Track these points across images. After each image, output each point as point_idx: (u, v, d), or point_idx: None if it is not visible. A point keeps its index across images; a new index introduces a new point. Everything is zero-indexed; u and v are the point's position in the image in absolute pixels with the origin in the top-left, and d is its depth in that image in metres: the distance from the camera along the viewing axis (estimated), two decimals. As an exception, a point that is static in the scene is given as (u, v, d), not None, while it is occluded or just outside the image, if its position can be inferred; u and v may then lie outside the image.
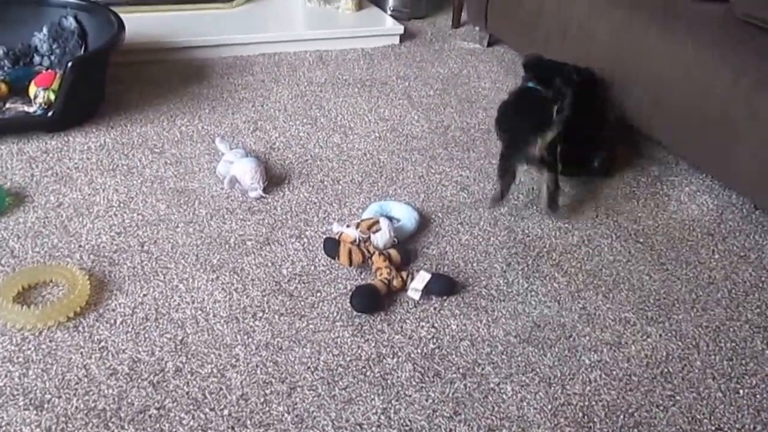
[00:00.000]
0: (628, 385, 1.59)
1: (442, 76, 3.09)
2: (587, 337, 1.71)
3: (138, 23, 2.85)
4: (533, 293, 1.84)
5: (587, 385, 1.58)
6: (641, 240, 2.07)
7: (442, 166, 2.39)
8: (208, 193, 2.15)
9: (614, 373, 1.62)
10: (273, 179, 2.22)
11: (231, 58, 3.07)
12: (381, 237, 1.88)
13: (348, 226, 1.90)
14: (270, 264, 1.88)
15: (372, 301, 1.75)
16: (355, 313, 1.73)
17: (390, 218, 1.98)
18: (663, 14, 2.38)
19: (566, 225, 2.11)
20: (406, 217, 2.04)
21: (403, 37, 3.44)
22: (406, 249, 1.93)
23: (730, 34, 2.22)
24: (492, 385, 1.57)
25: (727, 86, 2.10)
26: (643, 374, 1.62)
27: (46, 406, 1.44)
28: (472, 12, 3.43)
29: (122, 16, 2.59)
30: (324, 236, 1.95)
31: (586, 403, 1.54)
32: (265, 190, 2.13)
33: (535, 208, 2.17)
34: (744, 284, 1.92)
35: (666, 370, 1.64)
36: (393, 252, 1.87)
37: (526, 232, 2.08)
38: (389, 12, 3.66)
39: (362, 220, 1.95)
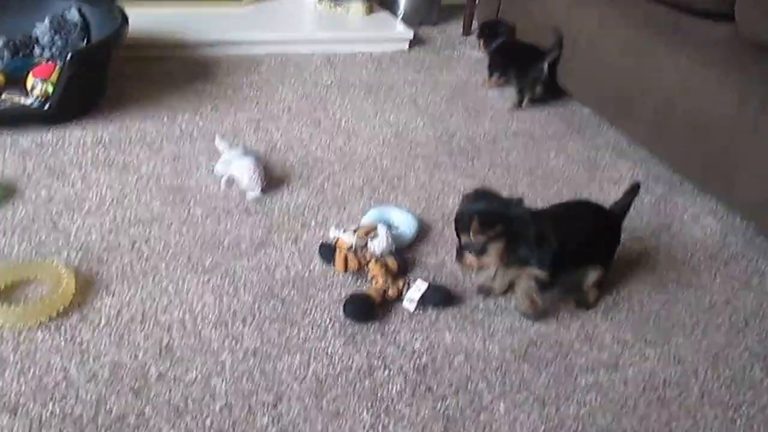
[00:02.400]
0: (624, 409, 1.54)
1: (450, 83, 3.05)
2: (584, 357, 1.66)
3: (145, 19, 2.83)
4: (531, 309, 1.80)
5: (582, 407, 1.54)
6: (643, 260, 2.02)
7: (446, 174, 2.35)
8: (205, 192, 2.11)
9: (610, 395, 1.57)
10: (272, 180, 2.18)
11: (238, 56, 3.04)
12: (378, 244, 1.84)
13: (345, 232, 1.85)
14: (264, 268, 1.84)
15: (365, 310, 1.71)
16: (348, 322, 1.69)
17: (389, 225, 1.94)
18: (671, 33, 2.35)
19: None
20: (406, 224, 2.00)
21: (413, 43, 3.42)
22: (403, 258, 1.89)
23: (737, 54, 2.18)
24: (485, 403, 1.52)
25: (733, 108, 2.07)
26: (639, 398, 1.57)
27: (20, 410, 1.39)
28: (483, 20, 3.38)
29: (130, 10, 2.57)
30: (321, 241, 1.90)
31: (580, 427, 1.49)
32: (263, 191, 2.09)
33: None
34: (745, 310, 1.87)
35: (663, 395, 1.59)
36: (390, 260, 1.83)
37: (527, 245, 2.03)
38: (400, 17, 3.63)
39: (360, 227, 1.90)
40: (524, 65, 2.87)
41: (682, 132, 2.25)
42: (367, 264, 1.81)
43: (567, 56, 2.77)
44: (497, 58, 3.03)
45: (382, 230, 1.86)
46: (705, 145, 2.17)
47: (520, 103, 2.87)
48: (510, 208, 1.61)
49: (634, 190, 1.91)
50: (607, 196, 2.30)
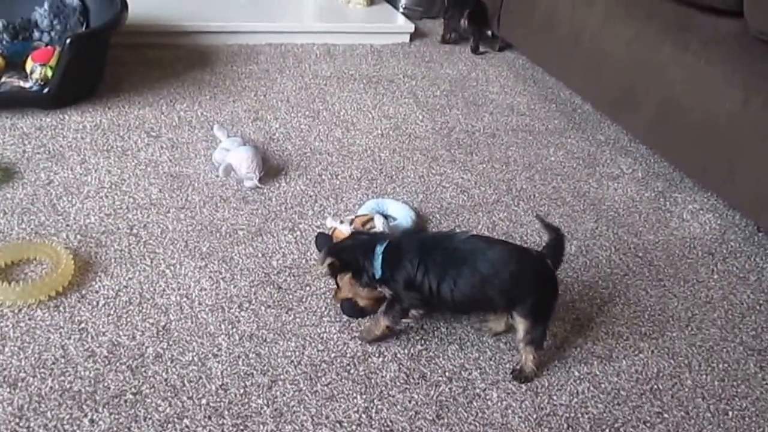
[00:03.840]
0: (616, 399, 1.55)
1: (450, 77, 3.05)
2: (578, 349, 1.67)
3: (144, 5, 2.83)
4: (526, 300, 1.80)
5: (574, 396, 1.55)
6: (640, 254, 2.03)
7: (444, 167, 2.35)
8: (203, 179, 2.11)
9: (603, 386, 1.58)
10: (270, 170, 2.18)
11: (236, 45, 3.04)
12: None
13: (342, 222, 1.86)
14: (260, 255, 1.85)
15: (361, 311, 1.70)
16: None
17: (386, 216, 1.95)
18: (677, 28, 2.35)
19: (566, 234, 2.06)
20: (403, 216, 2.00)
21: (414, 36, 3.42)
22: None
23: (744, 51, 2.18)
24: (478, 391, 1.53)
25: (736, 105, 2.07)
26: (632, 389, 1.58)
27: (20, 384, 1.41)
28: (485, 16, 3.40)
29: (130, -2, 2.56)
30: (318, 230, 1.91)
31: (572, 415, 1.50)
32: (261, 180, 2.10)
33: (534, 214, 2.13)
34: (741, 306, 1.88)
35: (656, 386, 1.60)
36: None
37: (524, 238, 2.04)
38: (401, 10, 3.64)
39: (357, 216, 1.91)
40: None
41: (684, 129, 2.25)
42: None
43: (568, 51, 2.77)
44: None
45: (378, 221, 1.87)
46: (707, 143, 2.17)
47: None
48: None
49: (557, 236, 1.62)
50: (606, 191, 2.32)
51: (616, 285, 1.90)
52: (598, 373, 1.61)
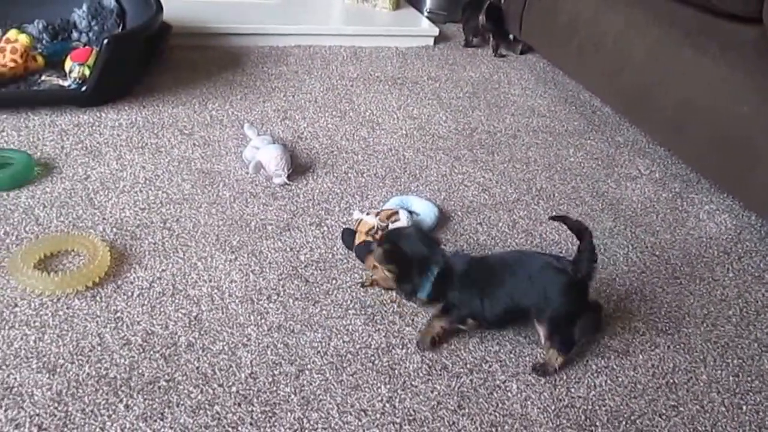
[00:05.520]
0: (633, 392, 1.60)
1: (473, 79, 3.10)
2: (595, 343, 1.72)
3: (178, 8, 2.90)
4: (546, 297, 1.85)
5: (592, 389, 1.59)
6: (657, 253, 2.07)
7: (466, 167, 2.41)
8: (233, 176, 2.18)
9: (620, 379, 1.63)
10: (298, 167, 2.25)
11: (267, 47, 3.11)
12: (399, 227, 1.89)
13: (368, 215, 1.92)
14: (288, 249, 1.91)
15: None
16: (368, 302, 1.75)
17: (410, 212, 2.00)
18: (698, 34, 2.38)
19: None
20: (426, 212, 2.06)
21: (438, 39, 3.47)
22: None
23: (762, 57, 2.21)
24: (498, 382, 1.58)
25: (753, 109, 2.10)
26: (648, 383, 1.63)
27: (58, 370, 1.48)
28: (507, 19, 3.44)
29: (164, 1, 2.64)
30: (344, 226, 1.97)
31: (590, 407, 1.55)
32: (289, 177, 2.16)
33: (554, 213, 2.18)
34: (756, 304, 1.91)
35: (671, 380, 1.64)
36: None
37: (544, 236, 2.08)
38: (425, 14, 3.69)
39: (382, 210, 1.96)
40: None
41: (702, 131, 2.28)
42: None
43: (589, 55, 2.81)
44: None
45: (403, 215, 1.92)
46: (723, 145, 2.21)
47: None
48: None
49: (588, 243, 1.61)
50: (624, 191, 2.36)
51: (633, 282, 1.94)
52: (615, 366, 1.66)
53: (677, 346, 1.74)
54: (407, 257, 1.60)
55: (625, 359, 1.68)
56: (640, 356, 1.70)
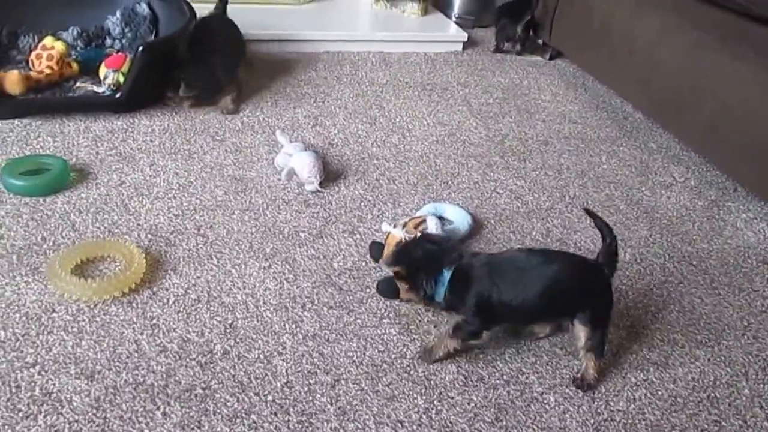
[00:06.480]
0: (674, 406, 1.57)
1: (503, 85, 3.09)
2: (634, 355, 1.70)
3: (205, 13, 2.90)
4: (582, 307, 1.83)
5: (632, 402, 1.57)
6: (695, 263, 2.05)
7: (498, 174, 2.39)
8: (265, 182, 2.18)
9: (659, 393, 1.60)
10: (329, 174, 2.24)
11: (295, 53, 3.12)
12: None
13: (395, 227, 1.89)
14: (322, 257, 1.90)
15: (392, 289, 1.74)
16: (402, 311, 1.74)
17: (442, 218, 1.98)
18: (736, 40, 2.35)
19: (619, 241, 2.07)
20: (460, 219, 2.04)
21: (466, 45, 3.46)
22: None
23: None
24: (535, 394, 1.56)
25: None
26: (689, 397, 1.60)
27: (96, 376, 1.48)
28: (538, 24, 3.42)
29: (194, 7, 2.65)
30: (376, 234, 1.96)
31: (630, 421, 1.52)
32: (321, 184, 2.16)
33: (588, 221, 2.15)
34: (798, 315, 1.89)
35: (713, 395, 1.61)
36: None
37: (579, 245, 2.06)
38: (454, 19, 3.68)
39: (411, 219, 1.94)
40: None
41: (738, 138, 2.26)
42: None
43: (622, 60, 2.79)
44: None
45: (431, 222, 1.90)
46: (761, 153, 2.18)
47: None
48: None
49: (611, 243, 1.62)
50: (659, 199, 2.33)
51: (670, 293, 1.92)
52: (654, 379, 1.63)
53: (718, 359, 1.71)
54: (416, 258, 1.56)
55: (665, 372, 1.66)
56: (680, 369, 1.67)
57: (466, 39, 3.45)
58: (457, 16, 3.72)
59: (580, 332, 1.57)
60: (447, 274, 1.55)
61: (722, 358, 1.72)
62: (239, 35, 2.78)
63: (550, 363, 1.65)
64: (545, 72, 3.29)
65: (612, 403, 1.56)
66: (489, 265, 1.57)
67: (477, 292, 1.53)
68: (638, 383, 1.62)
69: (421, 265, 1.56)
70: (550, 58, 3.45)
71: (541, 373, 1.62)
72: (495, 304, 1.53)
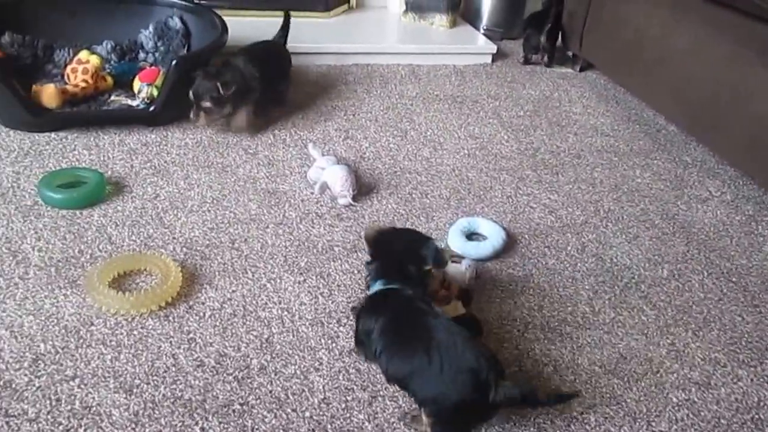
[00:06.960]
0: (717, 428, 1.54)
1: (533, 98, 3.07)
2: (675, 375, 1.67)
3: (236, 27, 2.91)
4: (620, 324, 1.81)
5: (674, 423, 1.54)
6: (734, 279, 2.01)
7: (531, 188, 2.37)
8: (298, 196, 2.18)
9: (702, 414, 1.57)
10: (362, 188, 2.23)
11: (325, 66, 3.12)
12: (456, 272, 1.82)
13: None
14: (356, 271, 1.89)
15: None
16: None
17: (476, 234, 1.97)
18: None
19: (656, 257, 2.06)
20: (494, 234, 2.03)
21: (495, 57, 3.45)
22: (468, 292, 1.81)
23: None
24: (575, 414, 1.54)
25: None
26: (732, 418, 1.57)
27: (135, 390, 1.48)
28: (567, 36, 3.40)
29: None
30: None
31: (673, 442, 1.50)
32: (354, 198, 2.15)
33: (624, 236, 2.13)
34: (843, 334, 1.84)
35: (757, 416, 1.58)
36: (455, 286, 1.77)
37: (615, 261, 2.04)
38: (482, 31, 3.68)
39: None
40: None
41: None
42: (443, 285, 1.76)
43: (656, 72, 2.76)
44: None
45: (465, 263, 1.87)
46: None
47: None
48: None
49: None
50: (695, 214, 2.30)
51: (710, 310, 1.89)
52: (696, 400, 1.60)
53: (761, 379, 1.68)
54: (388, 249, 1.57)
55: (707, 392, 1.63)
56: (723, 389, 1.64)
57: (495, 51, 3.44)
58: (485, 28, 3.72)
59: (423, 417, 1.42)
60: (376, 286, 1.53)
61: (765, 378, 1.68)
62: (286, 56, 2.80)
63: (588, 382, 1.62)
64: (576, 84, 3.27)
65: (654, 424, 1.53)
66: (396, 308, 1.49)
67: (369, 319, 1.49)
68: (680, 403, 1.59)
69: (384, 260, 1.56)
70: (581, 70, 3.43)
71: (580, 392, 1.60)
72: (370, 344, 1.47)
